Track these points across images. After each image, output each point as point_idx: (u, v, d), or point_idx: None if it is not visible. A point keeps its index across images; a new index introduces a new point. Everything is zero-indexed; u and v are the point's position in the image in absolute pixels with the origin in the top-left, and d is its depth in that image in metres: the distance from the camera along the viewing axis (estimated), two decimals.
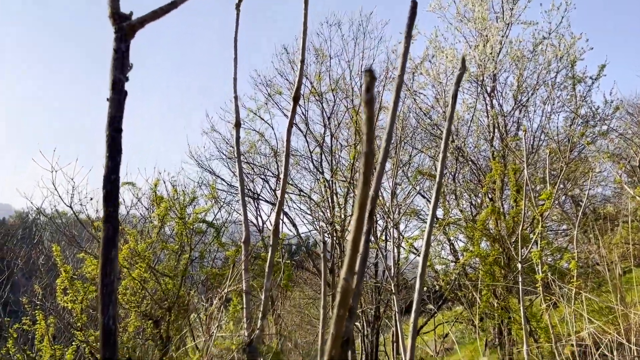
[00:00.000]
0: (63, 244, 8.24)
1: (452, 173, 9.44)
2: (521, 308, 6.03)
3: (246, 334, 2.36)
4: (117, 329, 0.98)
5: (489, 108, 9.54)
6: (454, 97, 1.69)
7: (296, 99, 2.42)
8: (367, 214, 0.74)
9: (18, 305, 9.08)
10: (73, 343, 8.04)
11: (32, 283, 8.92)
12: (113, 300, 0.98)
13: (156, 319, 7.76)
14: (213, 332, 2.68)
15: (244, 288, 2.44)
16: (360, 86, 10.52)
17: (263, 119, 12.59)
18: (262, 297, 2.33)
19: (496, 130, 9.19)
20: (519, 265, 6.09)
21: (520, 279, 6.06)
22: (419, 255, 11.58)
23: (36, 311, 8.18)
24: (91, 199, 7.85)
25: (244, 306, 2.36)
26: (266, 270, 2.42)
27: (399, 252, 9.16)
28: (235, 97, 2.75)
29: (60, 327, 8.84)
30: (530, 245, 6.56)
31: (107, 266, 0.99)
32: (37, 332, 8.28)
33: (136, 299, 7.46)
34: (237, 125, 2.74)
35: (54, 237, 9.43)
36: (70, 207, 7.59)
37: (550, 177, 6.69)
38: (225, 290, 2.91)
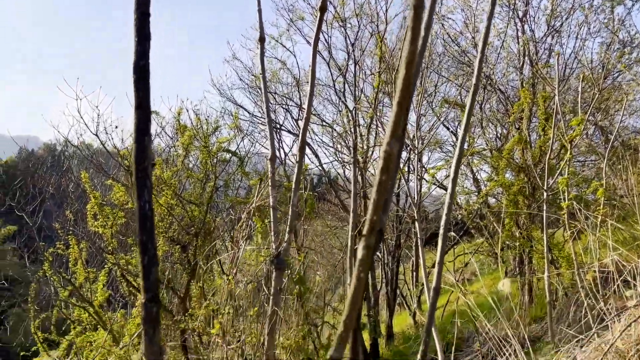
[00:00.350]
0: (91, 172, 8.42)
1: (480, 102, 9.21)
2: (544, 236, 6.04)
3: (274, 247, 2.40)
4: (153, 214, 0.98)
5: (519, 34, 9.14)
6: None
7: (323, 9, 2.32)
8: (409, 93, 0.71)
9: (51, 230, 9.45)
10: (105, 266, 8.39)
11: (63, 209, 9.23)
12: (148, 186, 0.98)
13: (183, 244, 8.00)
14: (242, 245, 2.74)
15: (271, 204, 2.46)
16: (386, 10, 10.13)
17: (285, 47, 12.30)
18: (290, 211, 2.35)
19: (526, 57, 8.85)
20: (545, 194, 6.04)
21: (544, 207, 6.03)
22: (440, 187, 11.56)
23: (69, 236, 8.50)
24: (116, 127, 7.91)
25: (272, 220, 2.39)
26: (293, 186, 2.43)
27: (421, 184, 9.14)
28: (259, 10, 2.65)
29: (92, 252, 9.22)
30: (556, 175, 6.47)
31: (140, 153, 0.99)
32: (70, 256, 8.64)
33: (164, 225, 7.65)
34: (262, 40, 2.67)
35: (82, 164, 9.63)
36: (96, 135, 7.68)
37: (581, 106, 6.48)
38: (254, 205, 2.96)
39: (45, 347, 8.90)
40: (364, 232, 0.67)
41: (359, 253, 0.67)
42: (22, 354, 9.60)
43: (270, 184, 2.46)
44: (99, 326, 8.34)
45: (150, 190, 0.98)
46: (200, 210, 8.11)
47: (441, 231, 1.94)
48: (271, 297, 2.41)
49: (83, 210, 8.32)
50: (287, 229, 2.36)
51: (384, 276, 11.15)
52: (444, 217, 1.64)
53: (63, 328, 9.23)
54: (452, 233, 8.40)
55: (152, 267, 0.96)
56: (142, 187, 0.99)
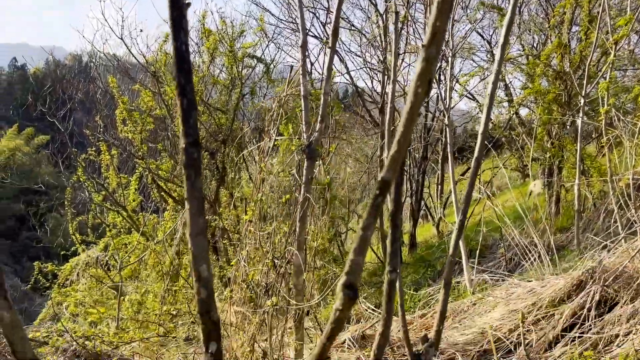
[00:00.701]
0: (118, 78, 8.41)
1: (518, 5, 8.66)
2: (578, 145, 5.90)
3: (305, 136, 2.37)
4: (190, 56, 0.94)
5: None
6: None
7: None
8: None
9: (82, 137, 9.65)
10: (136, 171, 8.61)
11: (93, 116, 9.35)
12: (184, 26, 0.93)
13: (212, 151, 8.09)
14: (272, 135, 2.72)
15: (303, 92, 2.40)
16: None
17: None
18: (322, 99, 2.29)
19: None
20: (582, 100, 5.82)
21: (581, 115, 5.83)
22: (471, 98, 11.26)
23: (99, 142, 8.66)
24: (141, 30, 7.79)
25: (303, 110, 2.34)
26: (324, 74, 2.35)
27: (451, 93, 8.85)
28: None
29: (123, 159, 9.43)
30: (595, 81, 6.19)
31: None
32: (102, 162, 8.86)
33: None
34: None
35: (109, 71, 9.61)
36: (121, 39, 7.58)
37: (630, 8, 6.04)
38: (285, 94, 2.90)
39: (83, 247, 9.38)
40: (425, 42, 0.62)
41: (418, 67, 0.62)
42: (62, 253, 10.19)
43: (301, 72, 2.38)
44: (132, 229, 8.71)
45: (187, 31, 0.93)
46: (227, 118, 8.12)
47: (483, 120, 1.87)
48: (302, 186, 2.42)
49: (112, 116, 8.42)
50: (319, 118, 2.31)
51: (409, 187, 11.20)
52: (486, 106, 1.56)
53: (99, 231, 9.68)
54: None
55: (191, 110, 0.94)
56: (178, 27, 0.94)
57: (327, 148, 3.13)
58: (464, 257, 5.85)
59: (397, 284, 1.15)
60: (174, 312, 3.77)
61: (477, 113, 12.82)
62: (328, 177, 3.02)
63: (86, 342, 3.49)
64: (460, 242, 5.92)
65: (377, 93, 11.30)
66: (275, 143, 2.69)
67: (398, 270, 0.99)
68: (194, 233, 0.94)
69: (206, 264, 0.95)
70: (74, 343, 3.50)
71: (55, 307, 7.89)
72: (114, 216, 8.88)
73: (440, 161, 12.52)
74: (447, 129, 5.38)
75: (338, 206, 10.04)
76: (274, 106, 2.83)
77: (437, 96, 10.06)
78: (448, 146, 5.52)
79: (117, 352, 3.71)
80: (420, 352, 1.34)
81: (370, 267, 9.12)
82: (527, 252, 5.51)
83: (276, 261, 2.55)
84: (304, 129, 2.39)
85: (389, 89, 9.40)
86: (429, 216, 13.47)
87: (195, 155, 0.94)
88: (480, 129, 1.80)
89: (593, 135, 9.03)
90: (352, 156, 11.16)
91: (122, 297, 5.87)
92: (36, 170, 21.50)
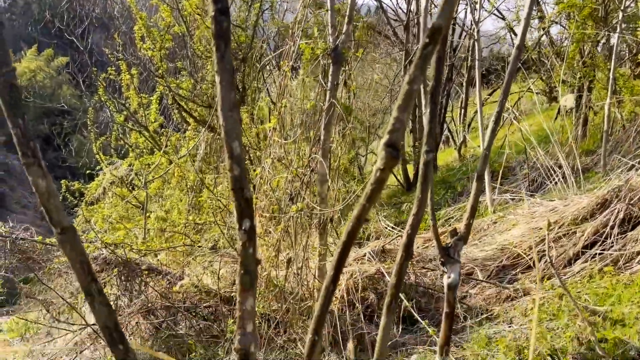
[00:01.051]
0: None
1: None
2: (612, 62, 5.64)
3: (331, 40, 2.28)
4: None
5: None
6: None
7: None
8: None
9: (102, 55, 9.56)
10: (156, 90, 8.56)
11: (111, 34, 9.22)
12: None
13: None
14: (296, 38, 2.62)
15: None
16: None
17: None
18: (349, 0, 2.18)
19: None
20: (620, 15, 5.51)
21: (618, 31, 5.54)
22: (500, 17, 10.76)
23: (119, 61, 8.57)
24: None
25: (329, 9, 2.24)
26: None
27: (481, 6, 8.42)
28: None
29: (143, 78, 9.36)
30: None
31: None
32: (122, 82, 8.80)
33: (211, 48, 7.55)
34: None
35: None
36: None
37: None
38: None
39: (107, 165, 9.54)
40: None
41: None
42: (87, 172, 10.41)
43: None
44: (155, 150, 8.78)
45: None
46: (246, 35, 7.91)
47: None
48: (328, 91, 2.36)
49: (130, 34, 8.26)
50: (346, 20, 2.21)
51: None
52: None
53: (122, 152, 9.81)
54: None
55: None
56: None
57: (354, 52, 3.02)
58: (486, 178, 5.81)
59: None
60: (200, 222, 3.85)
61: (505, 34, 12.30)
62: (354, 83, 2.94)
63: (115, 250, 3.61)
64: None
65: (402, 10, 10.85)
66: (300, 46, 2.59)
67: (434, 151, 0.96)
68: (225, 108, 0.91)
69: (238, 140, 0.93)
70: (104, 251, 3.63)
71: (83, 224, 8.15)
72: (137, 136, 8.94)
73: (464, 84, 12.19)
74: (477, 44, 5.16)
75: (359, 128, 9.95)
76: (299, 6, 2.69)
77: (465, 13, 9.62)
78: (476, 62, 5.32)
79: (145, 261, 3.84)
80: (450, 245, 1.34)
81: (389, 189, 9.17)
82: (552, 173, 5.44)
83: (300, 169, 2.56)
84: (330, 32, 2.29)
85: (414, 4, 8.98)
86: (451, 140, 13.30)
87: (224, 25, 0.90)
88: (520, 29, 1.68)
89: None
90: (380, 61, 10.83)
91: (147, 214, 6.03)
92: (58, 92, 21.57)
